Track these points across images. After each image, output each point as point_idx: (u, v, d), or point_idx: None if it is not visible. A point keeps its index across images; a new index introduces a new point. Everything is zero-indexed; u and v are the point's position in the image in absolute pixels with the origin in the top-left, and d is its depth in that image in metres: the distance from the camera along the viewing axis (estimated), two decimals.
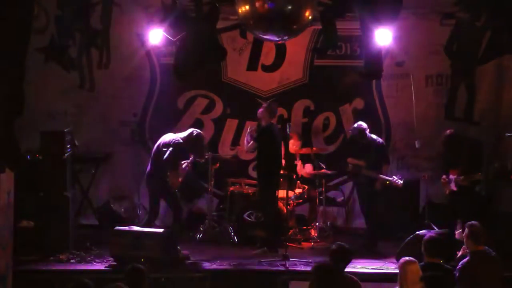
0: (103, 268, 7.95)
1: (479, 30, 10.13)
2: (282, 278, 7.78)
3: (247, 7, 7.67)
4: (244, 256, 8.53)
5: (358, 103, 10.39)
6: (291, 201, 9.29)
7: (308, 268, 7.34)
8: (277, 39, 8.47)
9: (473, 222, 6.83)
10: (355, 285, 6.26)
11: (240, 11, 7.82)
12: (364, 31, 8.25)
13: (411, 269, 5.96)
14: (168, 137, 8.50)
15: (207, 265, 8.09)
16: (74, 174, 9.34)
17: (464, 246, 7.02)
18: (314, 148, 9.85)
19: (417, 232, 8.03)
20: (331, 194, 10.15)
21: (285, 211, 8.88)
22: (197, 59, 8.45)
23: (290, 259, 8.15)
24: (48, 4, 10.07)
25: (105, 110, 10.26)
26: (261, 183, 9.03)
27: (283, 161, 9.21)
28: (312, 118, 10.42)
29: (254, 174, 9.77)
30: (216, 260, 8.27)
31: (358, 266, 7.90)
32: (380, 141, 9.16)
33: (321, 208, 9.61)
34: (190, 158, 8.70)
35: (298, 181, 9.68)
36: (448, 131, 8.90)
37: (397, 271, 6.10)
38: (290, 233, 9.17)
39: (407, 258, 6.08)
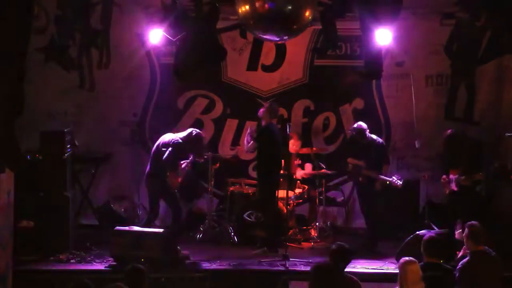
0: (103, 268, 7.95)
1: (479, 30, 10.13)
2: (282, 278, 7.78)
3: (247, 7, 7.66)
4: (244, 256, 8.53)
5: (358, 103, 10.39)
6: (291, 201, 9.29)
7: (308, 268, 7.33)
8: (277, 39, 8.47)
9: (473, 222, 6.83)
10: (355, 285, 6.26)
11: (240, 11, 7.81)
12: (364, 31, 8.25)
13: (411, 269, 5.96)
14: (167, 137, 8.50)
15: (207, 265, 8.09)
16: (74, 174, 9.36)
17: (465, 246, 7.02)
18: (314, 148, 9.85)
19: (417, 232, 8.03)
20: (331, 194, 10.16)
21: (285, 211, 8.88)
22: (197, 59, 8.45)
23: (290, 259, 8.15)
24: (48, 4, 10.07)
25: (105, 110, 10.26)
26: (261, 183, 9.03)
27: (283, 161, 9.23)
28: (312, 118, 10.42)
29: (254, 174, 9.77)
30: (216, 260, 8.27)
31: (358, 266, 7.90)
32: (380, 141, 9.16)
33: (321, 208, 9.62)
34: (190, 158, 8.70)
35: (298, 181, 9.68)
36: (448, 131, 8.90)
37: (397, 271, 6.10)
38: (290, 233, 9.17)
39: (407, 258, 6.08)
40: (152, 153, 8.59)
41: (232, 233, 9.25)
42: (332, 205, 10.18)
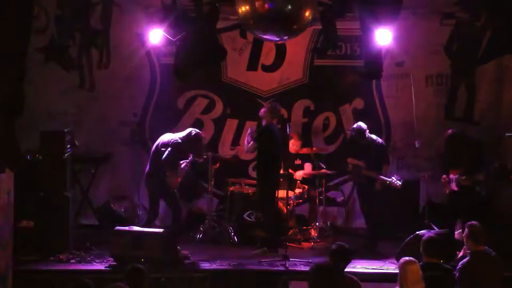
0: (103, 268, 7.95)
1: (479, 30, 10.13)
2: (282, 278, 7.77)
3: (247, 7, 7.66)
4: (244, 256, 8.53)
5: (358, 103, 10.39)
6: (291, 201, 9.28)
7: (308, 268, 7.32)
8: (277, 39, 8.47)
9: (473, 222, 6.84)
10: (355, 285, 6.26)
11: (240, 11, 7.81)
12: (364, 31, 8.25)
13: (411, 269, 5.96)
14: (166, 137, 8.50)
15: (207, 265, 8.09)
16: (74, 174, 9.35)
17: (465, 246, 7.03)
18: (314, 148, 9.85)
19: (417, 232, 8.03)
20: (331, 194, 10.15)
21: (285, 211, 8.88)
22: (197, 59, 8.45)
23: (290, 259, 8.15)
24: (48, 4, 10.06)
25: (105, 110, 10.26)
26: (260, 183, 9.03)
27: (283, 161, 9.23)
28: (312, 118, 10.41)
29: (254, 174, 9.76)
30: (216, 260, 8.27)
31: (358, 266, 7.90)
32: (380, 141, 9.15)
33: (321, 208, 9.62)
34: (189, 158, 8.70)
35: (298, 181, 9.68)
36: (449, 131, 8.89)
37: (397, 271, 6.10)
38: (290, 233, 9.17)
39: (407, 258, 6.08)
40: (151, 153, 8.59)
41: (232, 233, 9.25)
42: (332, 205, 10.18)
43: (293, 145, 9.65)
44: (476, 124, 10.20)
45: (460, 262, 6.70)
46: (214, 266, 8.09)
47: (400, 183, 8.74)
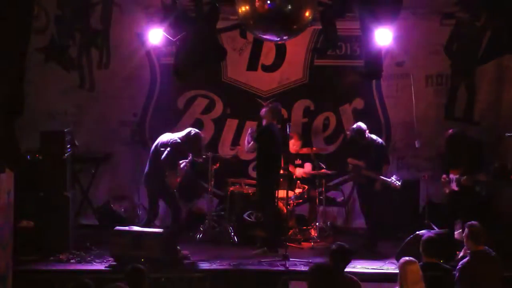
0: (103, 268, 7.95)
1: (479, 30, 10.13)
2: (282, 278, 7.77)
3: (247, 7, 7.66)
4: (244, 256, 8.53)
5: (358, 103, 10.39)
6: (291, 201, 9.28)
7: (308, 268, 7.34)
8: (277, 39, 8.46)
9: (473, 222, 6.84)
10: (355, 285, 6.26)
11: (240, 11, 7.81)
12: (364, 31, 8.24)
13: (411, 269, 5.96)
14: (166, 137, 8.50)
15: (207, 265, 8.09)
16: (74, 174, 9.35)
17: (465, 246, 7.03)
18: (314, 148, 9.84)
19: (417, 232, 8.02)
20: (331, 194, 10.15)
21: (285, 211, 8.88)
22: (197, 59, 8.45)
23: (290, 259, 8.15)
24: (48, 4, 10.06)
25: (105, 110, 10.26)
26: (260, 183, 9.02)
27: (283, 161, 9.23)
28: (312, 118, 10.41)
29: (254, 174, 9.76)
30: (216, 260, 8.27)
31: (358, 266, 7.90)
32: (380, 142, 9.15)
33: (321, 208, 9.61)
34: (189, 158, 8.69)
35: (298, 181, 9.68)
36: (450, 130, 8.89)
37: (397, 271, 6.11)
38: (290, 233, 9.16)
39: (407, 258, 6.09)
40: (150, 153, 8.59)
41: (232, 233, 9.25)
42: (332, 205, 10.18)
43: (294, 145, 9.65)
44: (476, 124, 10.20)
45: (460, 262, 6.71)
46: (214, 266, 8.09)
47: (399, 183, 8.74)
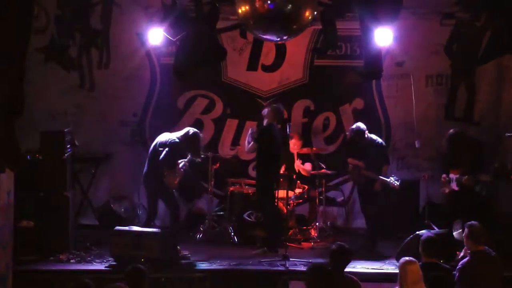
0: (103, 268, 7.95)
1: (479, 30, 10.13)
2: (282, 278, 7.77)
3: (247, 7, 7.66)
4: (244, 256, 8.52)
5: (358, 103, 10.39)
6: (291, 201, 9.28)
7: None
8: (277, 39, 8.46)
9: (473, 222, 6.84)
10: (355, 285, 6.27)
11: (240, 11, 7.80)
12: (364, 31, 8.24)
13: (411, 269, 5.96)
14: (164, 137, 8.51)
15: (207, 265, 8.09)
16: (74, 174, 9.35)
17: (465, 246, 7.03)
18: (314, 148, 9.85)
19: (417, 232, 8.01)
20: (331, 194, 10.15)
21: (285, 211, 8.88)
22: (197, 59, 8.44)
23: (290, 259, 8.15)
24: (48, 4, 10.07)
25: (105, 110, 10.27)
26: (260, 183, 9.02)
27: (283, 161, 9.23)
28: (312, 118, 10.42)
29: (254, 174, 9.76)
30: (216, 260, 8.27)
31: (358, 266, 7.90)
32: (380, 142, 9.14)
33: (321, 208, 9.61)
34: (188, 157, 8.68)
35: (298, 181, 9.68)
36: (451, 130, 8.89)
37: (397, 271, 6.11)
38: (290, 233, 9.16)
39: (407, 258, 6.09)
40: (149, 153, 8.60)
41: (232, 233, 9.25)
42: (332, 205, 10.18)
43: (294, 145, 9.66)
44: (476, 124, 10.21)
45: (460, 262, 6.71)
46: (214, 266, 8.08)
47: (398, 183, 8.73)
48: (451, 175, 8.68)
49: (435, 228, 8.90)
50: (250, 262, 8.25)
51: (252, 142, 9.02)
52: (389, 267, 8.05)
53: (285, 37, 8.21)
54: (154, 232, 8.07)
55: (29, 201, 8.47)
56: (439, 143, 9.44)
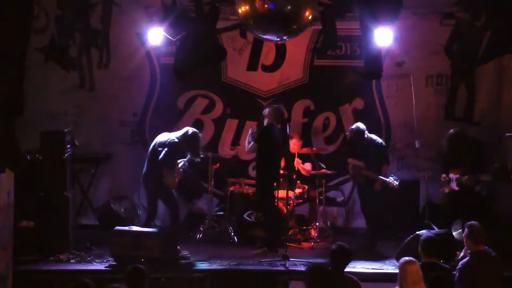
0: (103, 268, 7.94)
1: (479, 30, 10.14)
2: (282, 278, 7.77)
3: (247, 7, 7.66)
4: (244, 256, 8.52)
5: (358, 103, 10.39)
6: (291, 201, 9.28)
7: None
8: (277, 39, 8.46)
9: (473, 222, 6.84)
10: (355, 285, 6.27)
11: (240, 11, 7.81)
12: (364, 31, 8.24)
13: (411, 269, 5.96)
14: (163, 137, 8.50)
15: (207, 265, 8.09)
16: (74, 174, 9.35)
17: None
18: (314, 148, 9.85)
19: (417, 232, 8.01)
20: (331, 194, 10.15)
21: (285, 211, 8.88)
22: (197, 59, 8.44)
23: (290, 259, 8.14)
24: (48, 4, 10.07)
25: (105, 110, 10.27)
26: (260, 183, 9.02)
27: (283, 161, 9.22)
28: (312, 118, 10.42)
29: (254, 174, 9.75)
30: (216, 260, 8.26)
31: (358, 266, 7.90)
32: (380, 142, 9.14)
33: (321, 208, 9.61)
34: (187, 157, 8.68)
35: (298, 181, 9.68)
36: (451, 130, 8.89)
37: (397, 271, 6.11)
38: (290, 233, 9.16)
39: (407, 258, 6.09)
40: (148, 153, 8.59)
41: (232, 233, 9.25)
42: (332, 205, 10.18)
43: (294, 145, 9.66)
44: (476, 124, 10.21)
45: (460, 262, 6.72)
46: (214, 266, 8.08)
47: (397, 182, 8.73)
48: (451, 175, 8.68)
49: (435, 228, 8.89)
50: (250, 262, 8.24)
51: (252, 142, 9.02)
52: (389, 267, 8.05)
53: (285, 37, 8.21)
54: (154, 232, 8.07)
55: (29, 201, 8.47)
56: (439, 143, 9.45)
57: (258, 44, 10.16)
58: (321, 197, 9.55)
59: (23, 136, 9.27)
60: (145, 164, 8.56)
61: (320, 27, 8.82)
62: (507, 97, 10.11)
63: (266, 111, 9.02)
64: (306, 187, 9.66)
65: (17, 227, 7.94)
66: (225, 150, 10.32)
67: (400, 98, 10.29)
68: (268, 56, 10.32)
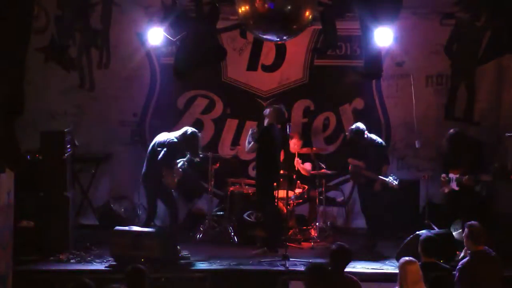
0: (103, 268, 7.95)
1: (479, 30, 10.14)
2: (282, 278, 7.77)
3: (247, 7, 7.66)
4: (244, 256, 8.52)
5: (358, 103, 10.39)
6: (291, 201, 9.28)
7: None
8: (277, 39, 8.46)
9: (473, 222, 6.83)
10: (355, 285, 6.27)
11: (240, 11, 7.81)
12: (364, 31, 8.24)
13: (411, 269, 5.96)
14: (162, 137, 8.50)
15: (207, 265, 8.09)
16: (74, 174, 9.35)
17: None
18: (314, 148, 9.84)
19: (417, 232, 8.01)
20: (331, 194, 10.15)
21: (285, 211, 8.88)
22: (197, 59, 8.45)
23: (290, 259, 8.14)
24: (48, 4, 10.07)
25: (105, 110, 10.27)
26: (260, 183, 9.02)
27: (283, 161, 9.23)
28: (312, 118, 10.42)
29: (254, 174, 9.75)
30: (216, 260, 8.26)
31: (358, 266, 7.90)
32: (379, 142, 9.15)
33: (321, 208, 9.61)
34: (187, 157, 8.67)
35: (298, 181, 9.68)
36: (451, 130, 8.89)
37: (397, 271, 6.11)
38: (290, 233, 9.16)
39: (407, 258, 6.09)
40: (148, 152, 8.59)
41: (232, 233, 9.25)
42: (332, 205, 10.18)
43: (295, 145, 9.66)
44: (476, 124, 10.21)
45: (460, 262, 6.71)
46: (214, 266, 8.08)
47: (397, 182, 8.73)
48: (451, 175, 8.68)
49: (435, 228, 8.89)
50: (250, 262, 8.24)
51: (252, 142, 9.02)
52: (389, 267, 8.05)
53: (285, 37, 8.22)
54: (154, 232, 8.07)
55: (29, 201, 8.47)
56: (439, 143, 9.45)
57: (258, 44, 10.16)
58: (321, 197, 9.55)
59: (23, 136, 9.27)
60: (145, 164, 8.56)
61: (320, 27, 8.82)
62: (507, 97, 10.11)
63: (267, 111, 9.02)
64: (306, 187, 9.66)
65: (17, 227, 7.94)
66: (225, 150, 10.32)
67: (400, 98, 10.29)
68: (268, 56, 10.32)
